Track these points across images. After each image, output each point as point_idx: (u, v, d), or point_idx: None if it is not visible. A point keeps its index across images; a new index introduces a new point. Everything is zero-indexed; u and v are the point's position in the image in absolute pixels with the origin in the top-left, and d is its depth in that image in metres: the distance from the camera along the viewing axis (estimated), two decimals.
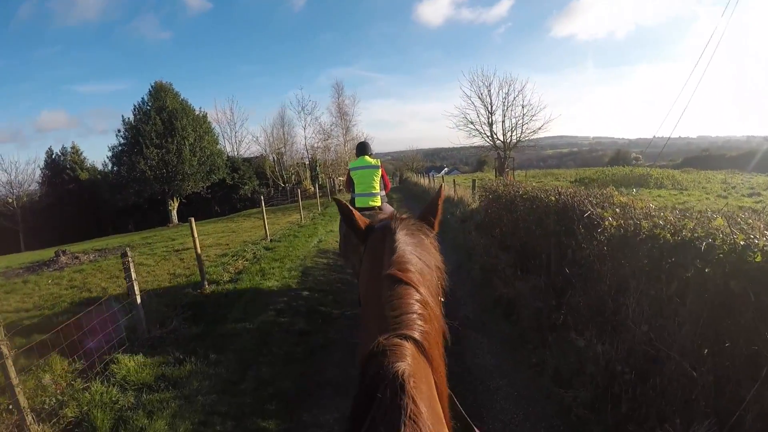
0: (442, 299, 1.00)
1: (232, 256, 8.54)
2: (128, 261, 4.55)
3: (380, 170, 4.81)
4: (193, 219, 6.48)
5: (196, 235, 6.39)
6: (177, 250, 10.53)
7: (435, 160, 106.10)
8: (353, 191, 4.86)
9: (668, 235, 2.74)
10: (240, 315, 5.32)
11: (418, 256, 0.95)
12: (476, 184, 11.99)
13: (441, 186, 1.50)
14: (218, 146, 31.74)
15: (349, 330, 4.92)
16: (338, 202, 1.26)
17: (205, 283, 6.42)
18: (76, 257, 11.77)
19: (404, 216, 1.13)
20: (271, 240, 10.08)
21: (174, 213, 30.00)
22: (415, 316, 0.79)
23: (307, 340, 4.67)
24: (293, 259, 8.12)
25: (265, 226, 10.44)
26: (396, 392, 0.64)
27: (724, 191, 17.42)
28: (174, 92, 30.19)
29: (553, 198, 5.32)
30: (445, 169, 75.62)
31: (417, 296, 0.83)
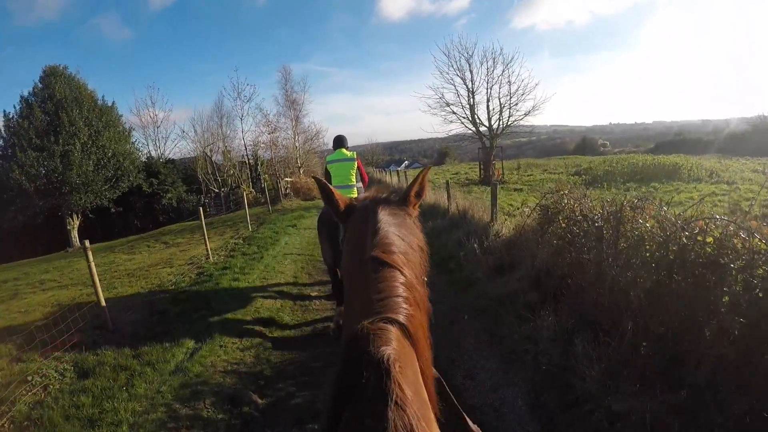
0: (426, 279, 0.96)
1: None
2: None
3: (356, 163, 4.82)
4: None
5: None
6: None
7: (394, 153, 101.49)
8: (330, 184, 4.15)
9: None
10: None
11: (401, 236, 0.90)
12: (498, 191, 6.97)
13: (428, 167, 1.25)
14: (129, 144, 24.80)
15: None
16: (318, 181, 1.15)
17: None
18: None
19: (385, 194, 1.08)
20: (106, 346, 4.50)
21: (74, 234, 23.10)
22: (400, 299, 0.75)
23: None
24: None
25: (99, 297, 4.92)
26: (381, 377, 0.61)
27: None
28: (68, 76, 23.04)
29: None
30: (406, 162, 71.40)
31: (401, 279, 0.79)
